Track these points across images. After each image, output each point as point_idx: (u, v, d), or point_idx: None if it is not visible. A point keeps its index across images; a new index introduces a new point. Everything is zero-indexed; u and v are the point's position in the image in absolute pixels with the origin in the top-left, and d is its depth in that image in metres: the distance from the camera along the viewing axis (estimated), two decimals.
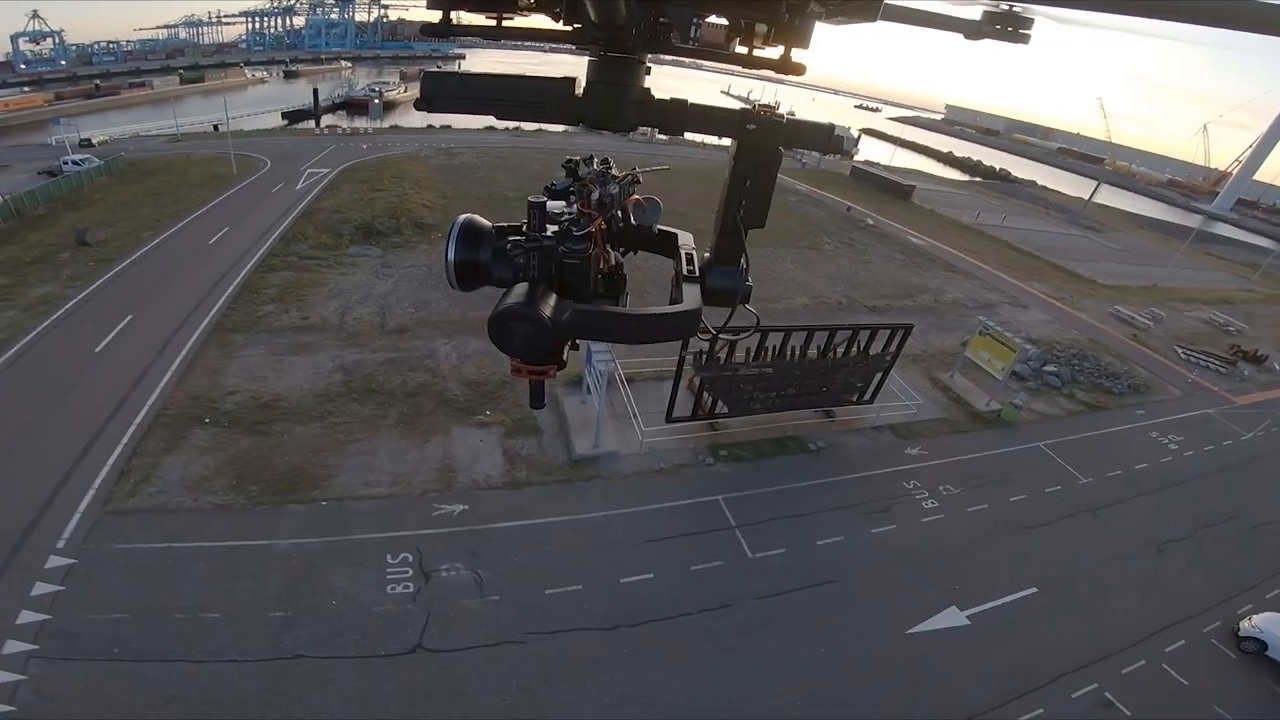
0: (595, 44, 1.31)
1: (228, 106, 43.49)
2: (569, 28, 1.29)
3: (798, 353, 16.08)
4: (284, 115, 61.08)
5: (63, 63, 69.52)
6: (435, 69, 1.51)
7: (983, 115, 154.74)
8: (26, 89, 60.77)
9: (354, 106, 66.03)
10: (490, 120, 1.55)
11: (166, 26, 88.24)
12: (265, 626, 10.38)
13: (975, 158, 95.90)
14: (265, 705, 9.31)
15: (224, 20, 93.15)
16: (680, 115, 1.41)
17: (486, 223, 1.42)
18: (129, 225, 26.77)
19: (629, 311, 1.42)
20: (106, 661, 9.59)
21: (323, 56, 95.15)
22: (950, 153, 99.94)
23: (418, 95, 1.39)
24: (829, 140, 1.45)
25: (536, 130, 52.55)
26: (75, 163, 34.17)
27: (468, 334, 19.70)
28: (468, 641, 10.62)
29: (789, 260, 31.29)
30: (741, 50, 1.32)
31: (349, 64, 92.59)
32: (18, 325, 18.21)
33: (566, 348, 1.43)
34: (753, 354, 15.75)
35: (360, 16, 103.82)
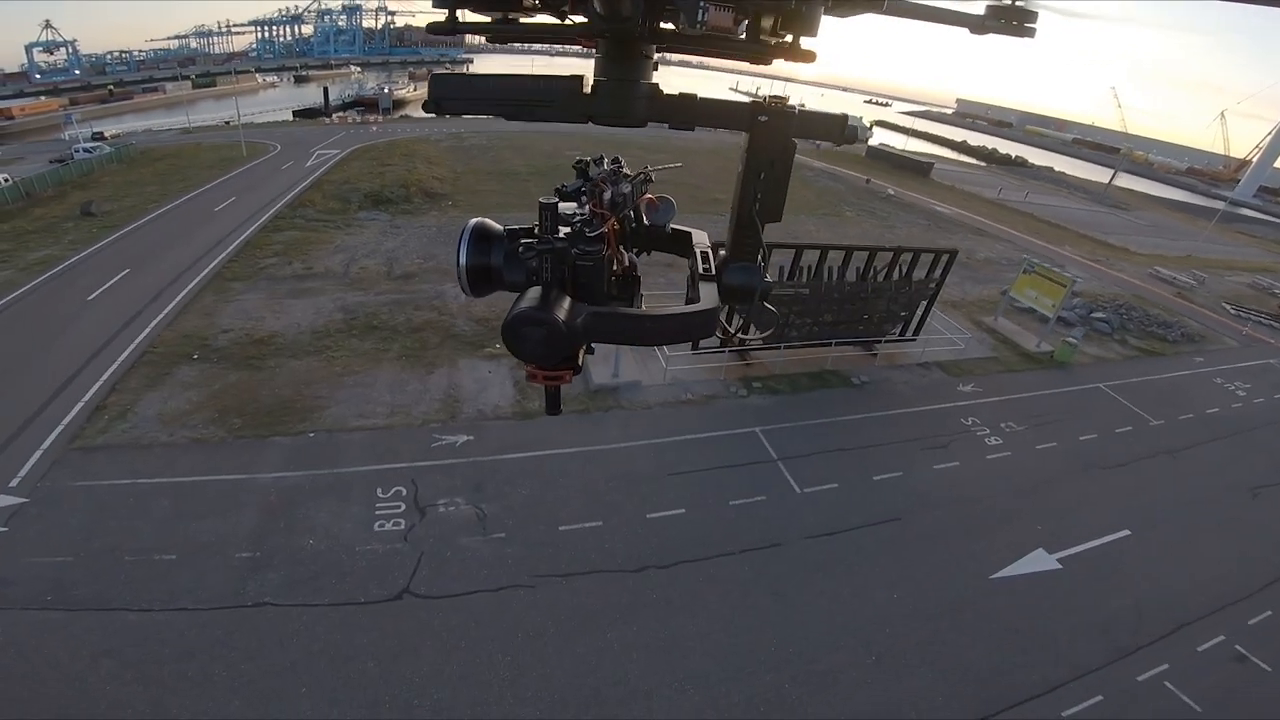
0: (602, 38, 1.24)
1: (239, 107, 43.68)
2: (574, 23, 1.24)
3: (835, 274, 14.46)
4: (295, 114, 61.06)
5: (76, 72, 70.53)
6: (443, 71, 1.23)
7: (994, 108, 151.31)
8: (42, 97, 61.57)
9: (364, 104, 65.76)
10: None
11: (178, 37, 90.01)
12: (229, 570, 8.91)
13: (990, 146, 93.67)
14: (213, 660, 7.72)
15: (234, 30, 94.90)
16: (690, 109, 1.34)
17: (498, 226, 1.38)
18: (136, 200, 26.31)
19: (644, 313, 1.38)
20: (37, 610, 8.16)
21: (332, 62, 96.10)
22: (964, 142, 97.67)
23: (426, 97, 1.32)
24: (842, 131, 1.39)
25: None
26: (86, 150, 33.88)
27: None
28: (466, 586, 9.00)
29: (811, 224, 29.82)
30: (749, 38, 1.25)
31: (358, 69, 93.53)
32: (11, 282, 17.38)
33: (582, 352, 1.37)
34: (787, 274, 14.15)
35: (367, 23, 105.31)
